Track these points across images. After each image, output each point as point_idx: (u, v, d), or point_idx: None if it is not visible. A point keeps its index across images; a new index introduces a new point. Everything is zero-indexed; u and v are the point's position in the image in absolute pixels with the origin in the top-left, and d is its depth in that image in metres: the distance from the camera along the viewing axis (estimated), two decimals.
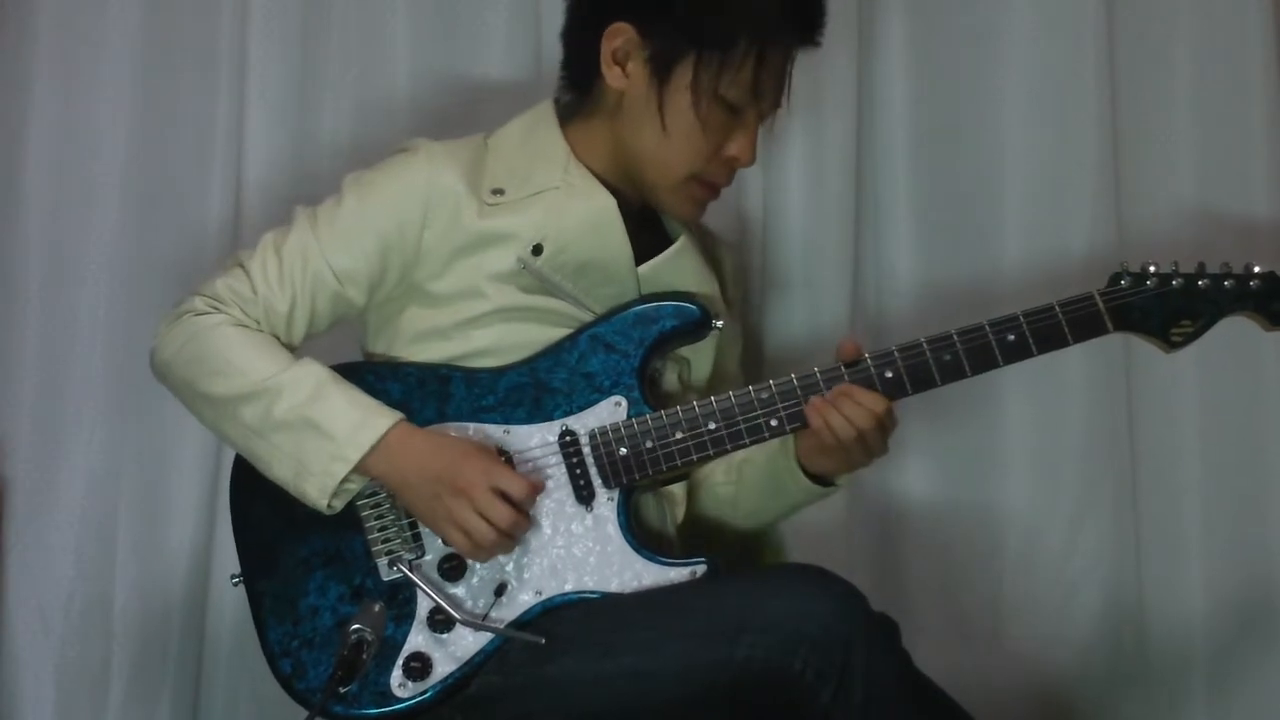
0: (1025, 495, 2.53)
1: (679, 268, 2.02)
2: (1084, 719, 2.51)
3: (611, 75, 1.97)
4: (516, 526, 1.86)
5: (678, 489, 2.05)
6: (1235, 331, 2.00)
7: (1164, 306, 1.94)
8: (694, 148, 1.96)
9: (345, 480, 1.85)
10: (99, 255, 2.41)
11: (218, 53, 2.43)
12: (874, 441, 1.90)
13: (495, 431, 1.92)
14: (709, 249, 2.14)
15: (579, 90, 2.04)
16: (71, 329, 2.40)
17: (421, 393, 1.93)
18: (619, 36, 1.96)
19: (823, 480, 1.99)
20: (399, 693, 1.86)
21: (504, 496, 1.84)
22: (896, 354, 1.92)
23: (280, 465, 1.86)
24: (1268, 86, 2.50)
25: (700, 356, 2.06)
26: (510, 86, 2.42)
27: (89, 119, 2.41)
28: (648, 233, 2.05)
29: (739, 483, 2.06)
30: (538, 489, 1.89)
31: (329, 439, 1.83)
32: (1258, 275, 1.95)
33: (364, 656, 1.78)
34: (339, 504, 1.88)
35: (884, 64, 2.53)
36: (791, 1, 1.96)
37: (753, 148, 1.99)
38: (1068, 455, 2.52)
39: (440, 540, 1.90)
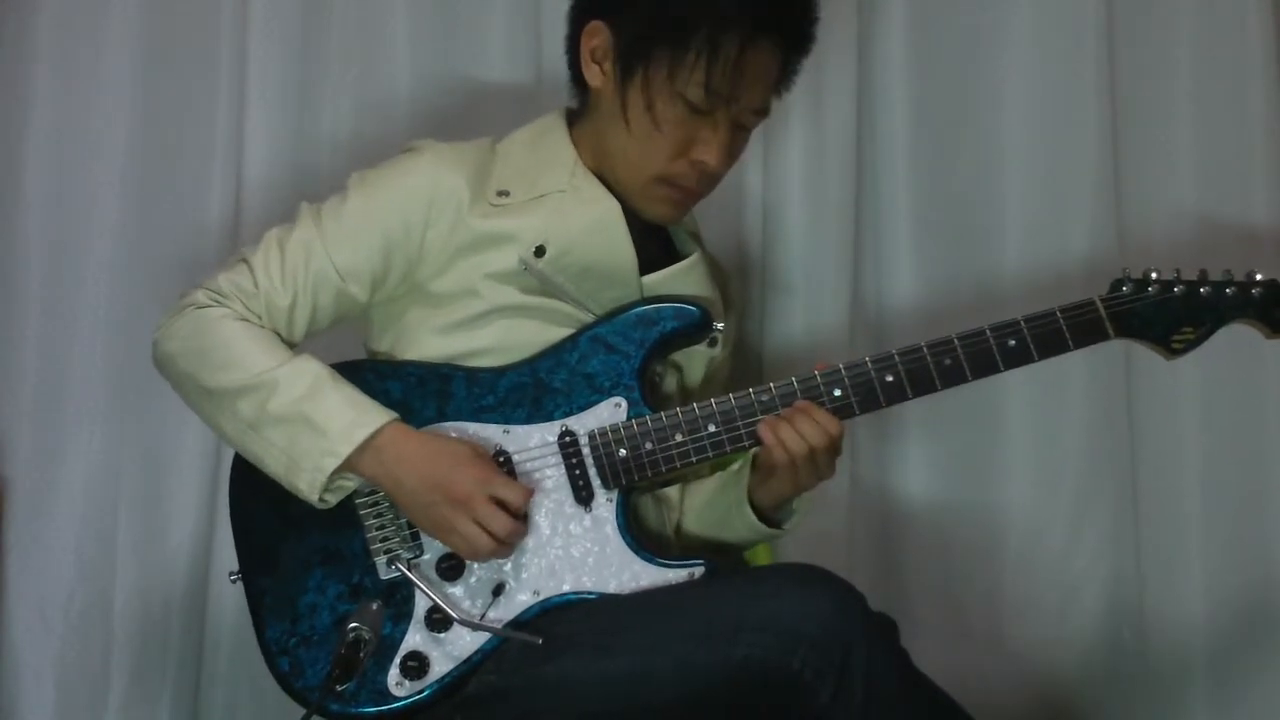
0: (1025, 495, 2.53)
1: (686, 283, 2.02)
2: (1084, 719, 2.51)
3: (590, 74, 1.97)
4: (515, 534, 1.86)
5: (673, 493, 2.05)
6: (1235, 332, 2.00)
7: (1165, 313, 1.94)
8: (655, 148, 1.94)
9: (338, 477, 1.85)
10: (99, 255, 2.41)
11: (218, 53, 2.43)
12: (823, 463, 1.90)
13: (495, 431, 1.92)
14: (716, 277, 2.13)
15: (578, 92, 2.04)
16: (71, 329, 2.40)
17: (422, 392, 1.93)
18: (596, 35, 1.96)
19: (769, 520, 1.98)
20: (396, 691, 1.86)
21: (501, 504, 1.84)
22: (896, 358, 1.92)
23: (272, 460, 1.86)
24: (1268, 87, 2.50)
25: (692, 369, 2.06)
26: (510, 88, 2.43)
27: (89, 119, 2.41)
28: (655, 243, 2.04)
29: (683, 515, 2.06)
30: (531, 494, 1.89)
31: (321, 435, 1.83)
32: (1259, 283, 1.95)
33: (361, 655, 1.78)
34: (332, 499, 1.88)
35: (884, 64, 2.53)
36: None
37: (719, 151, 1.95)
38: (1068, 455, 2.52)
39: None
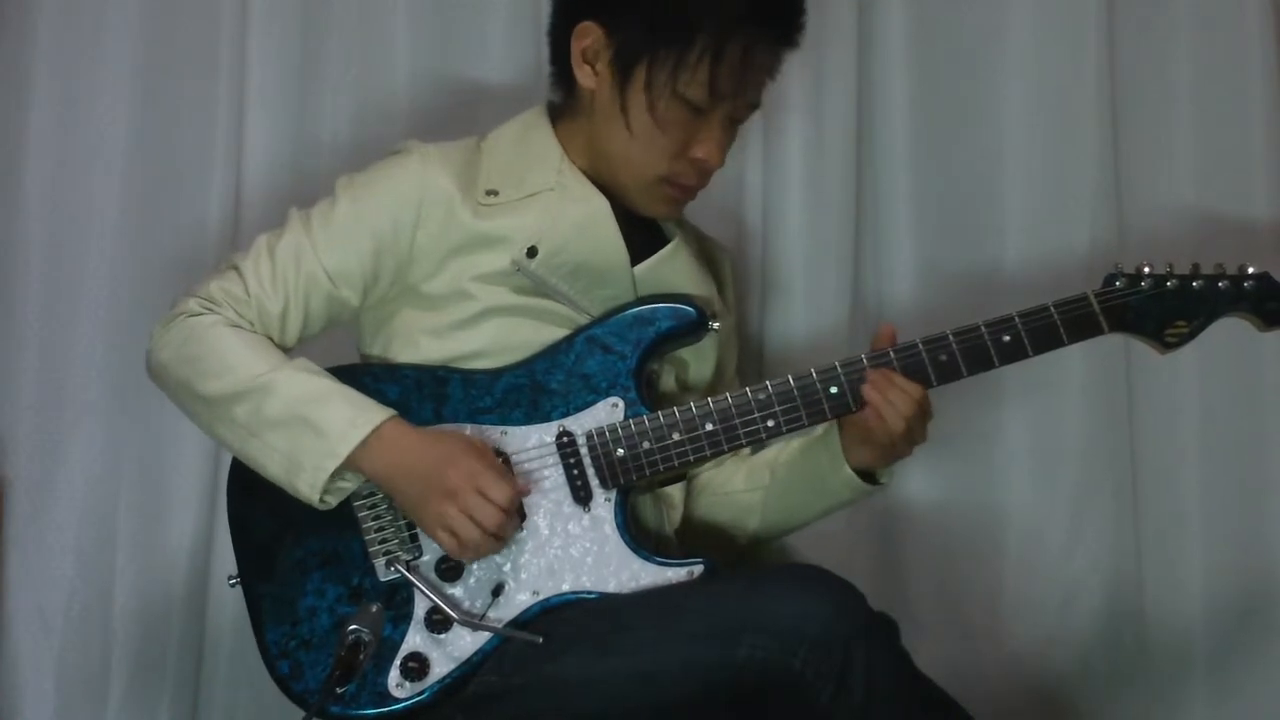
0: (1025, 495, 2.53)
1: (675, 268, 2.02)
2: (1084, 719, 2.51)
3: (582, 75, 1.97)
4: (504, 528, 1.85)
5: (674, 491, 2.05)
6: (1234, 331, 2.01)
7: (1159, 307, 1.95)
8: (657, 149, 1.95)
9: (338, 477, 1.85)
10: (99, 255, 2.40)
11: (218, 52, 2.43)
12: (917, 430, 1.92)
13: (493, 433, 1.92)
14: (706, 252, 2.14)
15: (562, 89, 2.04)
16: (71, 329, 2.40)
17: (419, 394, 1.93)
18: (588, 36, 1.96)
19: (865, 476, 1.99)
20: (397, 693, 1.86)
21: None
22: (892, 355, 1.92)
23: (272, 464, 1.85)
24: (1268, 86, 2.51)
25: (700, 359, 2.06)
26: (509, 89, 2.43)
27: (89, 119, 2.41)
28: (642, 232, 2.04)
29: (769, 487, 2.06)
30: (524, 493, 1.89)
31: (321, 436, 1.83)
32: (1252, 276, 1.96)
33: (361, 657, 1.78)
34: (333, 500, 1.87)
35: (884, 64, 2.53)
36: None
37: (719, 149, 1.97)
38: (1068, 455, 2.52)
39: None
